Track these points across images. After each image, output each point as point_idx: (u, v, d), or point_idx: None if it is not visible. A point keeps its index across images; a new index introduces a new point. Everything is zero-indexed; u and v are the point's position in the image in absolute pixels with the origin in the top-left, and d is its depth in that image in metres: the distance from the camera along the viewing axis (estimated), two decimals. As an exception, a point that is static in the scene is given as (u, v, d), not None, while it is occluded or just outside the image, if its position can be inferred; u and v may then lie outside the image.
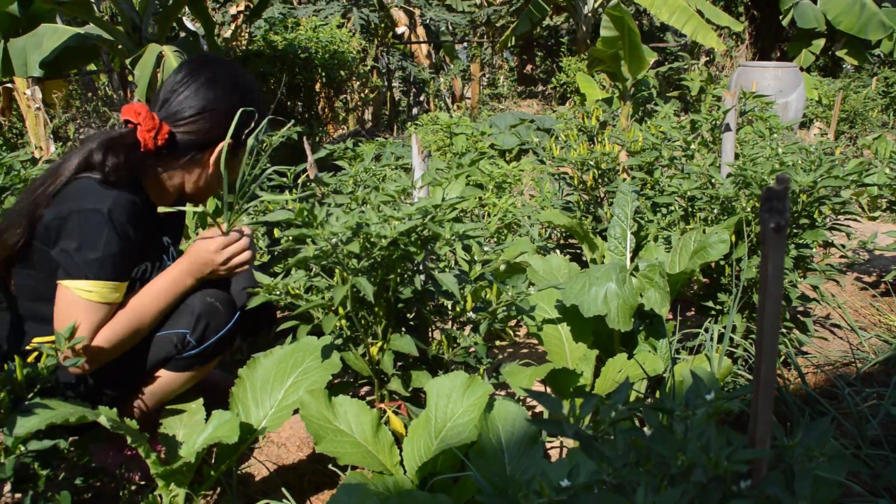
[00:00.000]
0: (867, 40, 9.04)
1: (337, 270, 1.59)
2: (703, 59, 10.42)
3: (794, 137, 7.38)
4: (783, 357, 2.26)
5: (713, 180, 2.13)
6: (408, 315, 1.79)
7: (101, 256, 1.54)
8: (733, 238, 2.06)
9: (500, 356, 2.52)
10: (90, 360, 1.57)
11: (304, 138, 2.31)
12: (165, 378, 1.76)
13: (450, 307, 1.82)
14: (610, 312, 1.75)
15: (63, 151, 5.79)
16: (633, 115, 6.71)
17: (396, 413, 1.75)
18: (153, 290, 1.68)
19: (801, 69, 9.09)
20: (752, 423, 0.90)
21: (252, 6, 5.48)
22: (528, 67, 13.02)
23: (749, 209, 2.00)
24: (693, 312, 2.68)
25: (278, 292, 1.64)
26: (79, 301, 1.54)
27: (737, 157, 2.27)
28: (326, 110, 5.67)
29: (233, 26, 5.87)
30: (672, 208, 2.21)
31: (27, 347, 1.58)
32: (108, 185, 1.60)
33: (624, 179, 2.62)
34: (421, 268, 1.66)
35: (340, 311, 1.65)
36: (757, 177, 1.97)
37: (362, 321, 1.67)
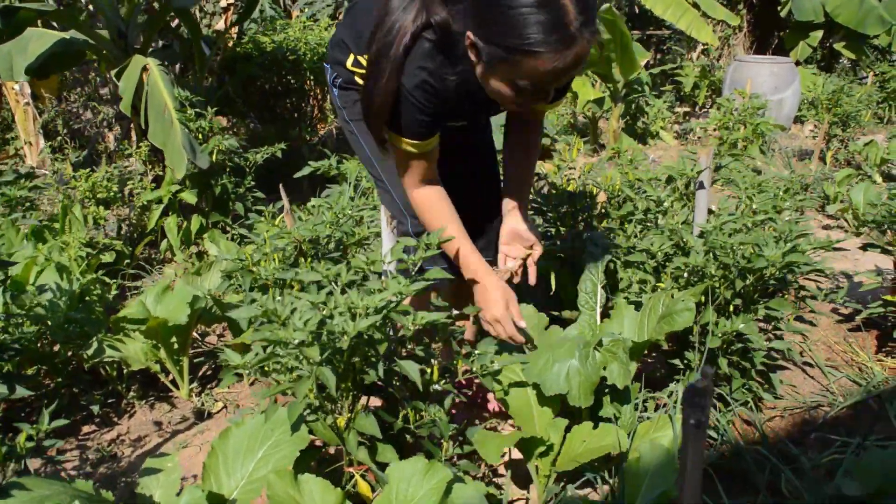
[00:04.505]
0: (865, 34, 8.96)
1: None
2: (699, 48, 10.33)
3: (787, 134, 7.38)
4: (749, 404, 2.30)
5: (684, 241, 2.15)
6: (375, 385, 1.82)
7: (404, 122, 1.78)
8: (702, 299, 2.09)
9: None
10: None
11: (281, 186, 2.30)
12: None
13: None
14: (571, 390, 1.78)
15: (52, 146, 5.78)
16: (625, 116, 6.69)
17: (363, 477, 1.80)
18: (459, 249, 1.93)
19: (798, 63, 9.05)
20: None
21: (242, 3, 5.42)
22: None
23: (718, 276, 2.03)
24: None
25: (247, 370, 1.67)
26: (398, 149, 1.84)
27: (710, 212, 2.29)
28: (316, 111, 5.65)
29: (223, 20, 5.80)
30: (644, 266, 2.22)
31: None
32: (437, 50, 1.70)
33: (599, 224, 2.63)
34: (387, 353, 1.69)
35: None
36: (727, 246, 1.99)
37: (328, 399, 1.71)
